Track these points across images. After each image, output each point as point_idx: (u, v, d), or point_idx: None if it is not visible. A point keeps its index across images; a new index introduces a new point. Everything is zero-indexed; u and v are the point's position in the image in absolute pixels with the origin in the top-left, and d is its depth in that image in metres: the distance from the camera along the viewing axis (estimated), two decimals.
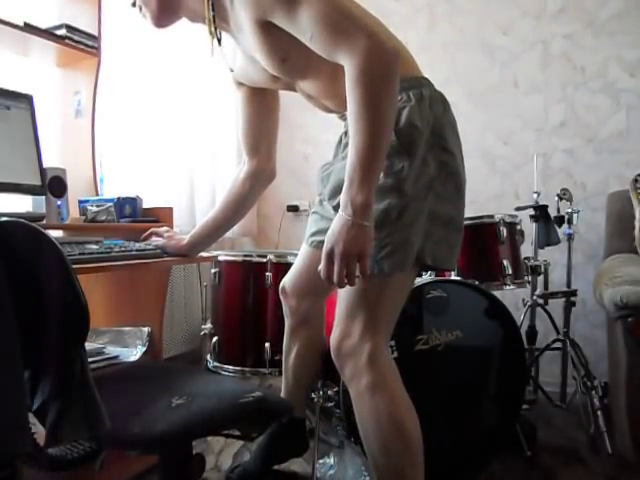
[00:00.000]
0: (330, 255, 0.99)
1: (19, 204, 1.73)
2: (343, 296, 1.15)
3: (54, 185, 1.67)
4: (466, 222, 1.99)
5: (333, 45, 1.00)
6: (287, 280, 1.58)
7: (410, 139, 1.09)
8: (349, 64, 0.98)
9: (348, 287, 1.04)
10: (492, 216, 2.01)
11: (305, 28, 1.01)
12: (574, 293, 2.17)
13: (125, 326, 1.76)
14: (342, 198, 1.00)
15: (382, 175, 1.05)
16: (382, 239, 1.07)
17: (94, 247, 1.38)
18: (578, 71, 2.63)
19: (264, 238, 3.25)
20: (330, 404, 1.59)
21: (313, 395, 1.60)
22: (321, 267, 1.01)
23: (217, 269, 2.16)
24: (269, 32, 1.08)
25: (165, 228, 1.66)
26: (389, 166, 1.07)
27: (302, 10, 1.00)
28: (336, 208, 1.09)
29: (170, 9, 1.26)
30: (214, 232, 1.57)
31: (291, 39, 1.06)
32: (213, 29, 1.21)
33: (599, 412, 1.91)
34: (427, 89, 1.15)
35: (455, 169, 1.19)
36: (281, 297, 1.60)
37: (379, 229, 1.04)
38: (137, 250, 1.47)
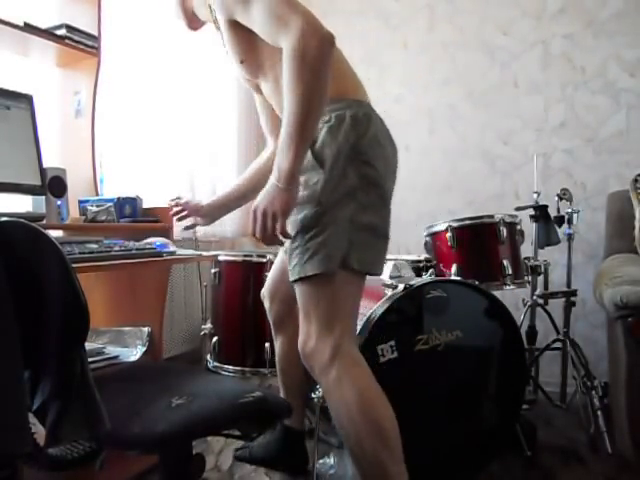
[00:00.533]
0: (254, 213, 1.13)
1: (19, 204, 1.73)
2: (298, 303, 1.24)
3: (54, 185, 1.67)
4: (466, 222, 2.02)
5: (276, 31, 1.11)
6: (266, 283, 1.70)
7: (324, 157, 1.18)
8: (285, 44, 1.08)
9: (299, 295, 1.21)
10: (492, 216, 2.01)
11: (257, 21, 1.14)
12: (574, 293, 2.17)
13: (125, 326, 1.76)
14: (274, 166, 1.12)
15: (302, 189, 1.16)
16: (304, 245, 1.18)
17: (94, 246, 1.38)
18: (578, 71, 2.63)
19: None
20: None
21: (313, 395, 1.60)
22: (249, 224, 1.14)
23: (217, 269, 2.16)
24: (235, 31, 1.23)
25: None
26: (306, 180, 1.18)
27: (254, 4, 1.13)
28: None
29: (187, 13, 1.44)
30: (231, 201, 1.68)
31: (249, 41, 1.22)
32: (216, 25, 1.34)
33: (599, 412, 1.91)
34: (352, 110, 1.22)
35: (376, 180, 1.24)
36: (262, 298, 1.71)
37: (301, 236, 1.17)
38: (137, 249, 1.47)
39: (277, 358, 1.71)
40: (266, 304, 1.69)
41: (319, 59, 1.06)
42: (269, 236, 1.11)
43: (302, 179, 1.17)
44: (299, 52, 1.05)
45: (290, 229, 1.16)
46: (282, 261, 1.58)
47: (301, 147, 1.09)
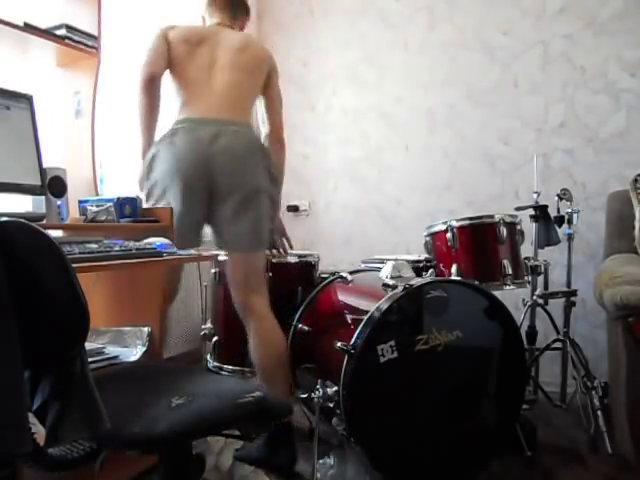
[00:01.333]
0: None
1: (19, 204, 1.73)
2: None
3: (54, 185, 1.67)
4: (466, 222, 2.02)
5: None
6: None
7: (149, 160, 1.80)
8: None
9: None
10: (492, 216, 2.01)
11: None
12: (574, 293, 2.17)
13: (125, 326, 1.76)
14: None
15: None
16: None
17: (94, 246, 1.38)
18: (578, 71, 2.63)
19: None
20: (330, 404, 1.59)
21: (313, 395, 1.60)
22: None
23: (217, 269, 2.15)
24: None
25: None
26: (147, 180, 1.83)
27: None
28: None
29: None
30: None
31: None
32: None
33: (599, 412, 1.91)
34: (175, 125, 1.79)
35: (178, 180, 1.73)
36: None
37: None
38: (137, 249, 1.47)
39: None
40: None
41: (139, 94, 1.82)
42: None
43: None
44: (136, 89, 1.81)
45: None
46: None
47: (141, 148, 1.87)
